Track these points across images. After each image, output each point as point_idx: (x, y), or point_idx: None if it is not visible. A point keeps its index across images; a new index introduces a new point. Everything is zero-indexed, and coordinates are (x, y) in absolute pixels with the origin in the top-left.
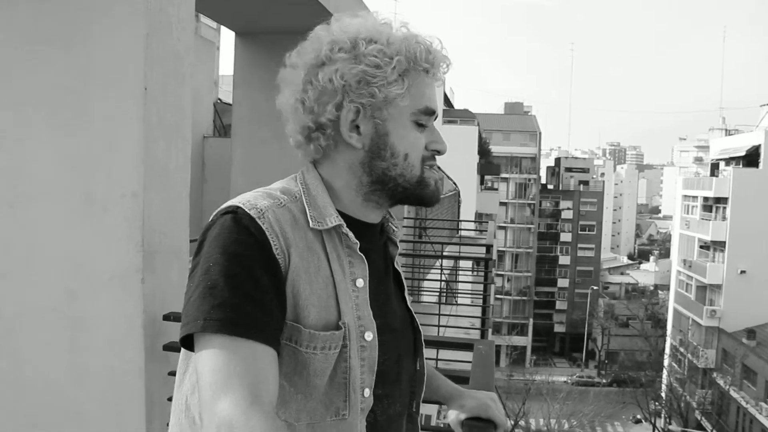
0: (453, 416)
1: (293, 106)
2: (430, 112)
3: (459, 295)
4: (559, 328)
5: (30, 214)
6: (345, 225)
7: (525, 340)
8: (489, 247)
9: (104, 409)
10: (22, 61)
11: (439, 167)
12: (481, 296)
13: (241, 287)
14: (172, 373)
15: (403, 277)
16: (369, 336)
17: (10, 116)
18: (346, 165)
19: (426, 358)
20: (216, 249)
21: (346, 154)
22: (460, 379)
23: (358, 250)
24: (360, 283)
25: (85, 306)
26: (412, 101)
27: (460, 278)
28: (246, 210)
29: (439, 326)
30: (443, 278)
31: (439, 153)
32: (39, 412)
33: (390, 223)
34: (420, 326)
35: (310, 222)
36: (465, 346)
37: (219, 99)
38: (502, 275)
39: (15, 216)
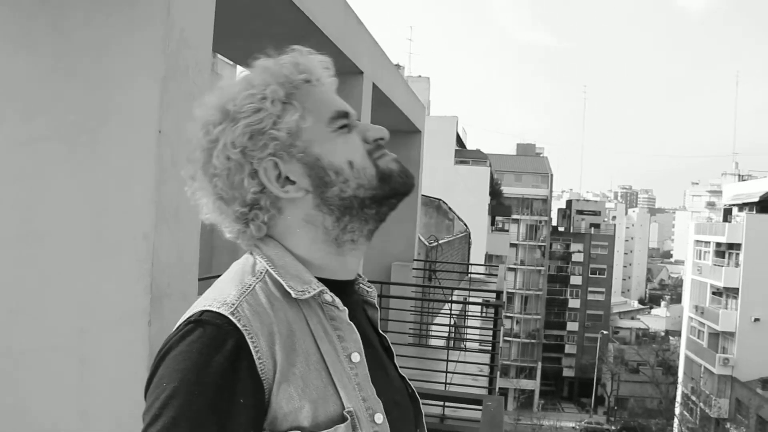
0: None
1: (215, 207)
2: (343, 114)
3: (467, 337)
4: (567, 373)
5: (42, 251)
6: (328, 290)
7: (533, 384)
8: (499, 293)
9: None
10: (42, 98)
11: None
12: (490, 342)
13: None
14: None
15: (389, 342)
16: (379, 418)
17: (28, 152)
18: (303, 221)
19: (427, 416)
20: (177, 374)
21: (296, 210)
22: None
23: (347, 318)
24: (356, 357)
25: (93, 346)
26: (317, 115)
27: (469, 321)
28: (215, 310)
29: (446, 372)
30: (452, 322)
31: (382, 139)
32: None
33: (362, 285)
34: (417, 394)
35: (292, 292)
36: (473, 401)
37: None
38: (511, 317)
39: (27, 252)
